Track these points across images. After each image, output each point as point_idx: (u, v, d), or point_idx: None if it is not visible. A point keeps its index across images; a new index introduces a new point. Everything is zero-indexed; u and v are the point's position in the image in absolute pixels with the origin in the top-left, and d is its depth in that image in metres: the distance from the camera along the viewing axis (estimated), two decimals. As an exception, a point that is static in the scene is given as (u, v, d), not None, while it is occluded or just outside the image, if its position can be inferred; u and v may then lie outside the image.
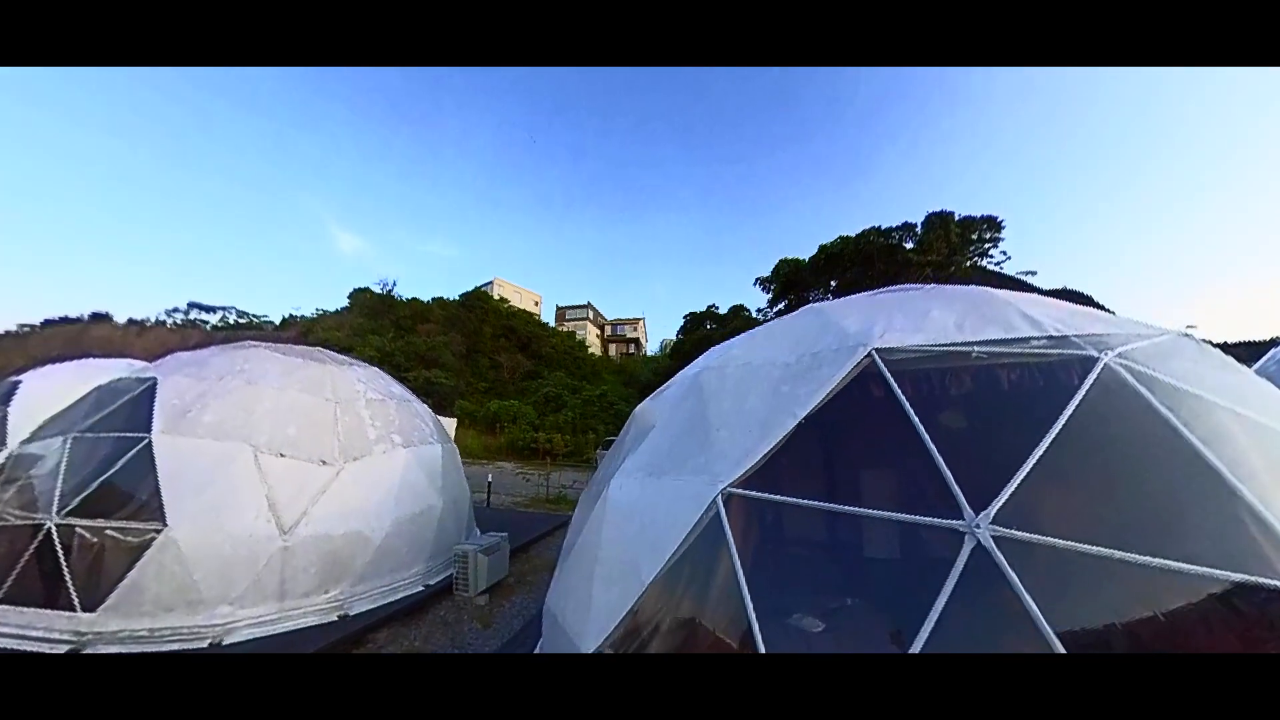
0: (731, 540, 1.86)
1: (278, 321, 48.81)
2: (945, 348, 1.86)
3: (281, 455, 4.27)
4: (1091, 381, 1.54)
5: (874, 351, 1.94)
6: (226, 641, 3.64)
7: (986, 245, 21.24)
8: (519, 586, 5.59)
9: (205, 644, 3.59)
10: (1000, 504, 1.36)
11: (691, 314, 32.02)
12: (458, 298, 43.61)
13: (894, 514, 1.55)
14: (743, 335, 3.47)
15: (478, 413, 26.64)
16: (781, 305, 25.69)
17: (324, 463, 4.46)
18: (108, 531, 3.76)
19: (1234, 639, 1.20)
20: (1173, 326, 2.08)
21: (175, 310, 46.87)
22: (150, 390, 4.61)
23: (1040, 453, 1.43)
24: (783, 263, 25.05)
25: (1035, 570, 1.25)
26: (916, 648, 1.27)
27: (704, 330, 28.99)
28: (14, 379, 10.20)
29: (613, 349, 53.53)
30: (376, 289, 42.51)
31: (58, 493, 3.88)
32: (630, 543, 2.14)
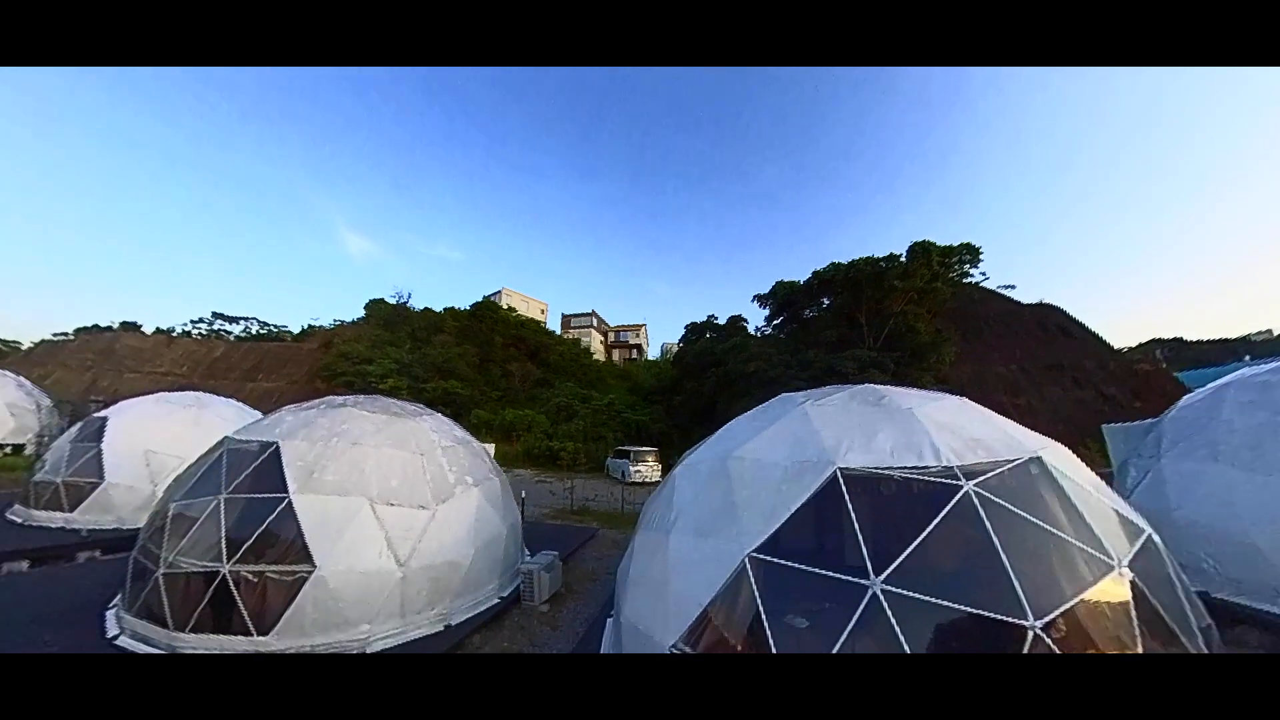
0: (753, 583, 2.92)
1: (296, 331, 49.72)
2: (883, 469, 2.94)
3: (391, 504, 5.31)
4: (954, 503, 2.58)
5: (838, 470, 3.01)
6: (370, 650, 4.72)
7: (967, 267, 22.52)
8: (570, 596, 6.68)
9: (354, 654, 4.67)
10: (888, 572, 2.44)
11: (692, 324, 33.36)
12: (468, 307, 44.47)
13: (832, 572, 2.64)
14: (754, 419, 4.50)
15: (493, 421, 27.60)
16: (779, 320, 27.09)
17: (422, 507, 5.50)
18: (268, 574, 4.80)
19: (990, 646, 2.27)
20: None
21: (200, 320, 47.96)
22: (275, 454, 5.55)
23: (916, 542, 2.49)
24: (780, 284, 26.45)
25: (904, 609, 2.30)
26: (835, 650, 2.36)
27: (705, 341, 30.30)
28: (99, 415, 11.19)
29: (616, 354, 54.70)
30: (391, 300, 43.33)
31: (224, 545, 4.87)
32: (691, 579, 3.19)
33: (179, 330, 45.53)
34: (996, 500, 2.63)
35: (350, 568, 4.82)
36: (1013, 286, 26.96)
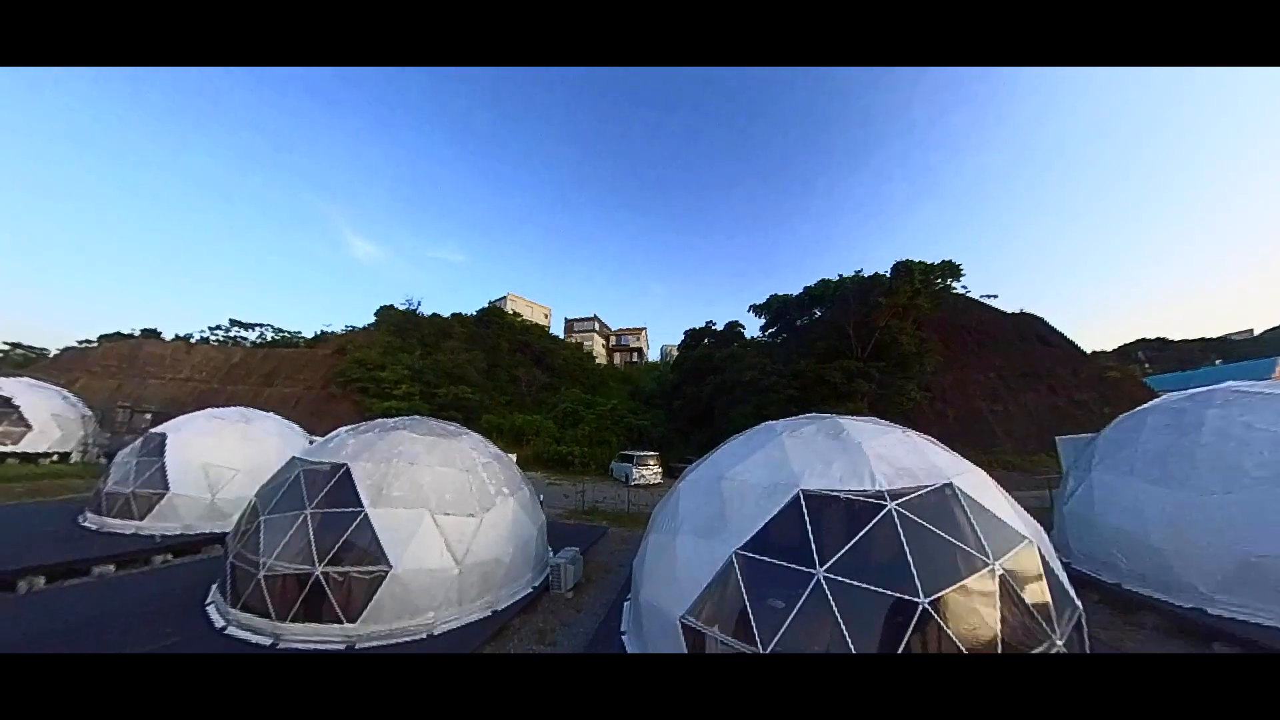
0: (738, 572, 3.93)
1: (309, 336, 50.62)
2: (833, 491, 3.97)
3: (447, 514, 6.33)
4: (879, 517, 3.60)
5: (800, 491, 4.05)
6: (436, 633, 5.75)
7: (949, 281, 23.68)
8: (589, 585, 7.72)
9: (424, 636, 5.70)
10: (828, 564, 3.45)
11: (691, 330, 34.59)
12: (475, 313, 45.47)
13: (791, 564, 3.66)
14: (743, 445, 5.51)
15: (503, 426, 28.53)
16: (773, 330, 28.35)
17: (471, 515, 6.53)
18: (352, 573, 5.81)
19: (901, 620, 3.30)
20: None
21: (217, 327, 49.05)
22: (346, 474, 6.51)
23: (849, 545, 3.49)
24: (774, 297, 27.82)
25: (837, 589, 3.30)
26: (782, 629, 3.36)
27: (703, 347, 31.50)
28: (156, 431, 12.14)
29: (617, 358, 55.79)
30: (401, 306, 44.20)
31: (315, 550, 5.86)
32: (693, 569, 4.17)
33: (197, 337, 46.42)
34: (910, 515, 3.66)
35: (418, 567, 5.86)
36: (995, 296, 28.11)
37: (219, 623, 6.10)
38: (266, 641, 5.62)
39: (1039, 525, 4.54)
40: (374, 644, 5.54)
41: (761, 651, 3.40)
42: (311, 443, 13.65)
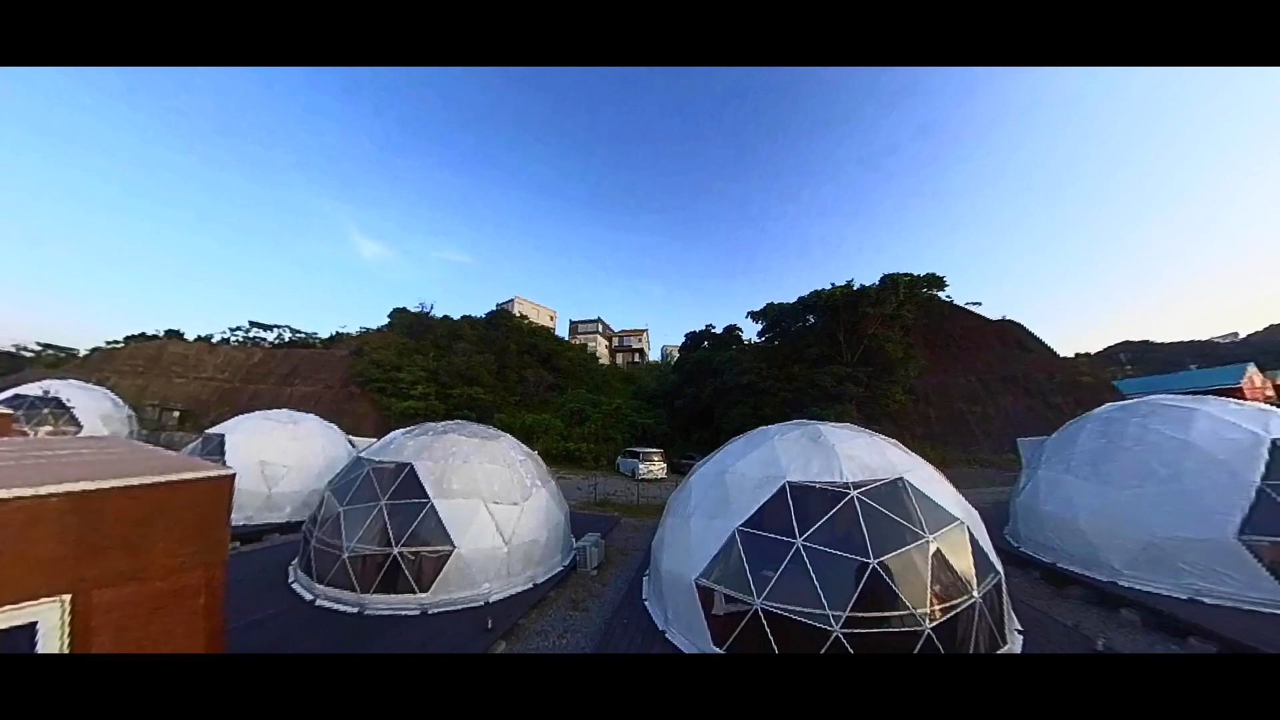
0: (739, 543, 5.08)
1: (324, 337, 51.60)
2: (810, 482, 5.14)
3: (496, 503, 7.48)
4: (844, 501, 4.72)
5: (786, 482, 5.21)
6: (491, 600, 6.90)
7: (932, 293, 24.91)
8: (610, 565, 8.88)
9: (481, 603, 6.85)
10: (808, 533, 4.60)
11: (692, 333, 35.80)
12: (484, 315, 46.57)
13: (778, 535, 4.83)
14: (743, 445, 6.68)
15: (514, 425, 29.56)
16: (769, 335, 29.65)
17: (515, 504, 7.67)
18: (423, 553, 6.95)
19: (856, 575, 4.46)
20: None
21: (237, 328, 50.12)
22: (411, 471, 7.61)
23: (821, 521, 4.62)
24: (770, 305, 29.12)
25: (814, 556, 4.45)
26: (771, 582, 4.51)
27: (702, 350, 32.71)
28: (213, 432, 13.23)
29: (619, 358, 56.98)
30: (414, 309, 45.23)
31: (392, 534, 6.99)
32: (704, 542, 5.30)
33: (219, 337, 47.45)
34: (868, 501, 4.83)
35: (476, 547, 7.02)
36: (979, 303, 29.35)
37: (307, 596, 7.18)
38: (353, 610, 6.70)
39: (975, 511, 5.70)
40: (442, 609, 6.69)
41: (756, 599, 4.57)
42: (351, 443, 14.86)
